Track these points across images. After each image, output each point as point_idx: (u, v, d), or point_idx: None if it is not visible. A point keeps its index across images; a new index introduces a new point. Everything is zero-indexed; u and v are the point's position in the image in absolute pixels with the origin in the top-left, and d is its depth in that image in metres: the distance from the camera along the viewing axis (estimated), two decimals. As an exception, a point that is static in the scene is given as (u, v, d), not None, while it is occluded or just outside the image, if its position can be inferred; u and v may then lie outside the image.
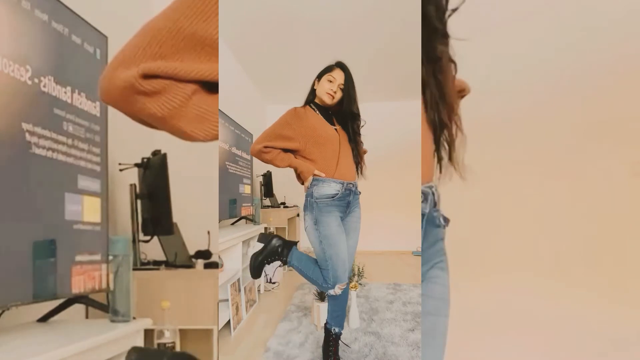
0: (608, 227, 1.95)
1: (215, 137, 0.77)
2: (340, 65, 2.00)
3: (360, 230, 2.07)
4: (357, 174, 2.09)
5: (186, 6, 0.68)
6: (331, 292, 1.93)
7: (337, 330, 2.14)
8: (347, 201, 1.96)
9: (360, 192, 2.07)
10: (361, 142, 2.08)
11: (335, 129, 2.02)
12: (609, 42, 1.94)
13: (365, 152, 2.21)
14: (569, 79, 1.95)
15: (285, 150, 1.96)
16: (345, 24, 4.08)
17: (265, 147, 1.92)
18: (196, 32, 0.68)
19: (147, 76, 0.67)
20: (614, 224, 1.95)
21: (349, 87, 1.99)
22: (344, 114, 2.02)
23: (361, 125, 2.06)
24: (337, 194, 1.91)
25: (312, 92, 2.08)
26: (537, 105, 2.00)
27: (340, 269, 1.87)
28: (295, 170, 1.99)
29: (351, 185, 1.97)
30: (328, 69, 2.01)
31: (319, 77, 2.03)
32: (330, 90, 1.97)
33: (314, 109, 2.04)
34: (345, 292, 2.07)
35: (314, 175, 1.92)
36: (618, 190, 1.94)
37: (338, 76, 1.98)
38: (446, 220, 0.88)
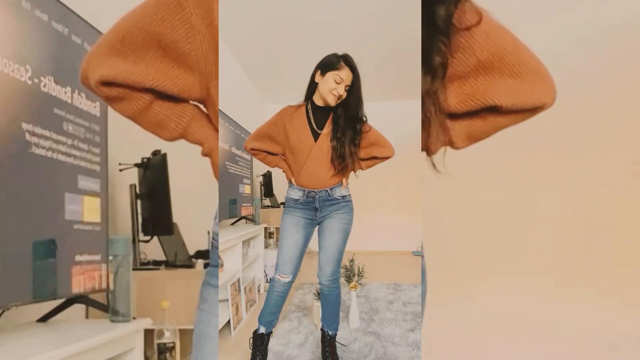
0: (608, 228, 1.95)
1: (178, 137, 0.80)
2: (349, 65, 1.84)
3: (343, 233, 2.00)
4: (349, 177, 2.04)
5: (151, 6, 0.70)
6: (275, 277, 2.02)
7: (330, 332, 2.14)
8: (312, 207, 2.00)
9: (342, 197, 2.00)
10: (359, 144, 1.94)
11: (320, 133, 1.92)
12: (609, 41, 1.94)
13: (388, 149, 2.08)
14: (568, 78, 1.95)
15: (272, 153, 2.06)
16: (345, 23, 4.08)
17: (252, 149, 2.05)
18: (156, 32, 0.70)
19: (106, 83, 0.70)
20: (613, 225, 1.95)
21: (357, 89, 1.86)
22: (347, 116, 1.90)
23: (365, 129, 1.94)
24: (299, 199, 2.00)
25: (313, 85, 1.92)
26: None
27: (281, 261, 1.99)
28: None
29: (314, 193, 1.97)
30: (334, 66, 1.83)
31: (323, 71, 1.86)
32: (336, 92, 1.83)
33: (307, 110, 1.95)
34: (335, 295, 2.08)
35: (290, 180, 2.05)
36: (617, 190, 1.94)
37: (346, 77, 1.82)
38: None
